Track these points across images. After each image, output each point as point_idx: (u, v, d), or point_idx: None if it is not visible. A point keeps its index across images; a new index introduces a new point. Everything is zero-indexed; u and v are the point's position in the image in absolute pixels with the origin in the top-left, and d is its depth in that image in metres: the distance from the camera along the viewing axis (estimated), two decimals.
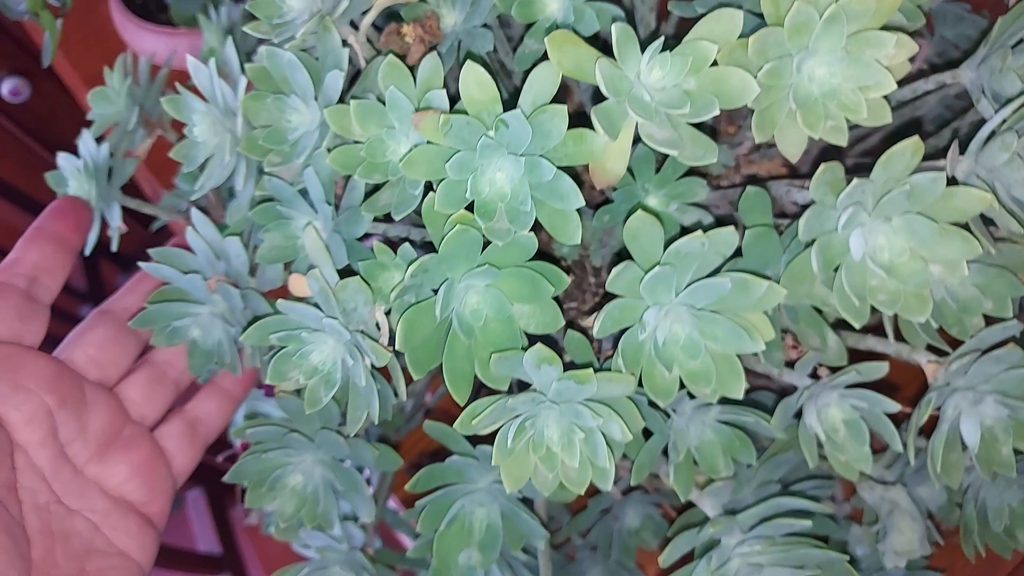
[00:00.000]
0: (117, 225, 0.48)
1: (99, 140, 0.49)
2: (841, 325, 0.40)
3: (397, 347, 0.32)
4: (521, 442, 0.32)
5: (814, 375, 0.36)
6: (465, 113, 0.31)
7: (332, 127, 0.35)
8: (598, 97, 0.31)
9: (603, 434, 0.32)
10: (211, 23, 0.57)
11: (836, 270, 0.31)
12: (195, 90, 0.41)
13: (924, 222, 0.30)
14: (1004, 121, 0.33)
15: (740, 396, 0.32)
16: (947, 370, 0.34)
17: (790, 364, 0.37)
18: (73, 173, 0.48)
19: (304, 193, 0.37)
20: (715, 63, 0.31)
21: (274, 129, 0.38)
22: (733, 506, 0.39)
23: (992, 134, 0.33)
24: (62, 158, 0.48)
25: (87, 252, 0.47)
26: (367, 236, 0.40)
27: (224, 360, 0.40)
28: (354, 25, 0.41)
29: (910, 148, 0.29)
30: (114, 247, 0.48)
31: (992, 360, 0.33)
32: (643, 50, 0.31)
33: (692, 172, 0.46)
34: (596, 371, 0.32)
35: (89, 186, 0.47)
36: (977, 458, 0.34)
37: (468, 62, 0.31)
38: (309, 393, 0.34)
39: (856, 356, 0.38)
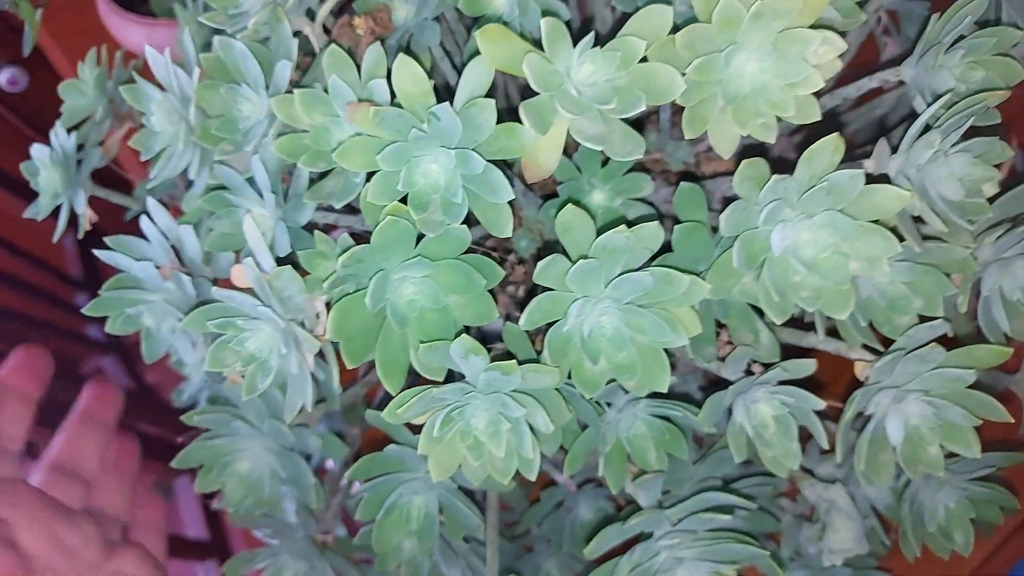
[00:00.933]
0: (83, 212, 0.49)
1: (73, 130, 0.50)
2: (786, 322, 0.40)
3: (330, 337, 0.32)
4: (449, 431, 0.33)
5: (749, 371, 0.37)
6: (400, 106, 0.32)
7: (279, 116, 0.36)
8: (530, 92, 0.32)
9: (529, 425, 0.33)
10: (187, 12, 0.58)
11: (761, 266, 0.32)
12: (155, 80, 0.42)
13: (845, 219, 0.30)
14: (936, 118, 0.33)
15: (665, 389, 0.33)
16: (874, 368, 0.34)
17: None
18: (43, 163, 0.48)
19: (252, 181, 0.38)
20: (646, 59, 0.32)
21: (226, 118, 0.38)
22: (674, 502, 0.39)
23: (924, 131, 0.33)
24: (36, 149, 0.49)
25: (55, 239, 0.48)
26: (331, 228, 0.41)
27: None
28: (311, 15, 0.41)
29: (831, 145, 0.30)
30: (80, 234, 0.49)
31: (916, 359, 0.33)
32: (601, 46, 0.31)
33: (644, 168, 0.47)
34: (521, 363, 0.32)
35: (57, 175, 0.48)
36: (903, 457, 0.34)
37: (400, 56, 0.31)
38: (247, 380, 0.35)
39: (798, 353, 0.39)
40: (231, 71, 0.39)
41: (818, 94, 0.41)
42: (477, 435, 0.33)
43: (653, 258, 0.34)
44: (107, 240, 0.41)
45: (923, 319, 0.36)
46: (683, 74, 0.31)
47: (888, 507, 0.46)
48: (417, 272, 0.33)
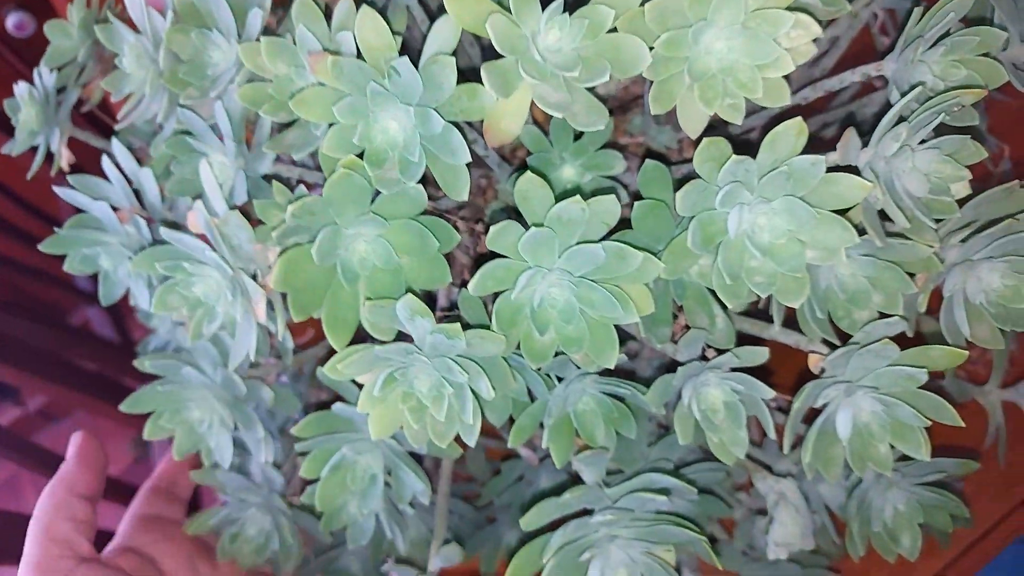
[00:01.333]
0: (57, 150, 0.48)
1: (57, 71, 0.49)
2: (745, 312, 0.40)
3: (274, 287, 0.32)
4: (391, 392, 0.33)
5: (704, 356, 0.36)
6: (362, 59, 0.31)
7: (246, 64, 0.35)
8: (495, 54, 0.31)
9: (473, 392, 0.33)
10: None
11: (717, 249, 0.31)
12: (131, 22, 0.42)
13: (802, 206, 0.29)
14: (910, 111, 0.32)
15: (612, 365, 0.32)
16: (828, 361, 0.34)
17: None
18: (24, 100, 0.48)
19: (216, 128, 0.37)
20: (616, 30, 0.31)
21: (195, 64, 0.38)
22: (620, 481, 0.39)
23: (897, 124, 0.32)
24: (18, 87, 0.48)
25: (29, 176, 0.48)
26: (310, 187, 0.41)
27: None
28: None
29: (794, 129, 0.29)
30: (53, 171, 0.49)
31: (871, 354, 0.33)
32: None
33: (625, 151, 0.47)
34: (471, 328, 0.32)
35: (35, 112, 0.48)
36: (851, 454, 0.34)
37: (364, 7, 0.31)
38: (193, 325, 0.35)
39: (755, 343, 0.38)
40: (204, 16, 0.38)
41: (800, 85, 0.41)
42: (420, 397, 0.33)
43: (612, 233, 0.33)
44: (70, 178, 0.41)
45: (883, 316, 0.35)
46: (651, 48, 0.31)
47: (841, 507, 0.45)
48: (370, 230, 0.33)
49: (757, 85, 0.31)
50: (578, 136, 0.40)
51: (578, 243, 0.31)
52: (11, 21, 1.30)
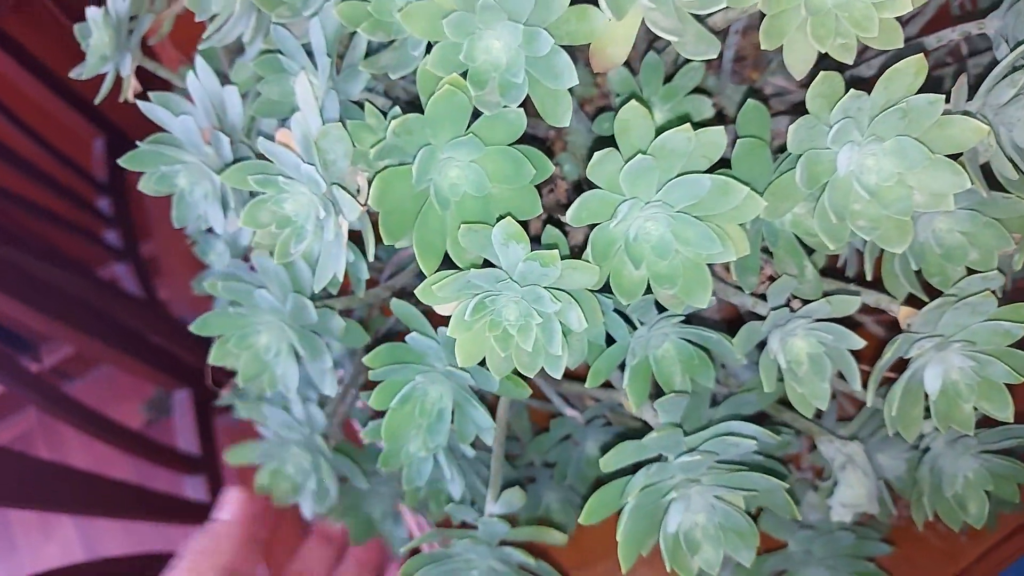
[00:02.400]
0: (126, 75, 0.48)
1: None
2: (828, 271, 0.39)
3: (371, 205, 0.32)
4: (479, 320, 0.32)
5: (788, 306, 0.36)
6: None
7: None
8: None
9: (561, 323, 0.32)
10: None
11: (823, 189, 0.31)
12: None
13: (916, 146, 0.29)
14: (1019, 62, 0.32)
15: (705, 305, 0.32)
16: (920, 315, 0.33)
17: (764, 297, 0.37)
18: (96, 23, 0.48)
19: (307, 50, 0.37)
20: None
21: None
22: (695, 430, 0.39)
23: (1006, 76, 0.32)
24: (90, 11, 0.48)
25: (97, 100, 0.48)
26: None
27: None
28: None
29: (913, 67, 0.29)
30: (123, 96, 0.49)
31: (967, 308, 0.32)
32: None
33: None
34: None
35: (107, 36, 0.47)
36: (936, 412, 0.34)
37: None
38: (280, 245, 0.34)
39: None
40: None
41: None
42: (507, 327, 0.32)
43: (710, 171, 0.33)
44: (151, 95, 0.41)
45: (973, 272, 0.35)
46: None
47: (899, 478, 0.45)
48: (465, 155, 0.32)
49: (873, 24, 0.30)
50: (667, 80, 0.39)
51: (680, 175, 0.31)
52: None
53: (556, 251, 0.31)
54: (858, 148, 0.30)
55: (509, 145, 0.33)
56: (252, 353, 0.40)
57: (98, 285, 1.29)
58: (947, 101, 0.31)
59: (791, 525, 0.48)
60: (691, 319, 0.37)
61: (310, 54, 0.37)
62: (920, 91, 0.29)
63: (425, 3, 0.31)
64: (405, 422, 0.38)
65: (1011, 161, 0.31)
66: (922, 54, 0.28)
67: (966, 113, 0.31)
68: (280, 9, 0.37)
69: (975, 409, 0.34)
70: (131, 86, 0.49)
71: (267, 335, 0.40)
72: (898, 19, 0.32)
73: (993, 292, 0.34)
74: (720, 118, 0.45)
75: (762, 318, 0.36)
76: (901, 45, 0.31)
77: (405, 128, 0.32)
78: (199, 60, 0.40)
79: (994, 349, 0.33)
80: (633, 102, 0.31)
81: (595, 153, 0.31)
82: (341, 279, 0.34)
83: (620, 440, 0.49)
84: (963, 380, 0.33)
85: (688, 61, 0.39)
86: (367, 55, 0.37)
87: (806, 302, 0.35)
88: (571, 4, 0.31)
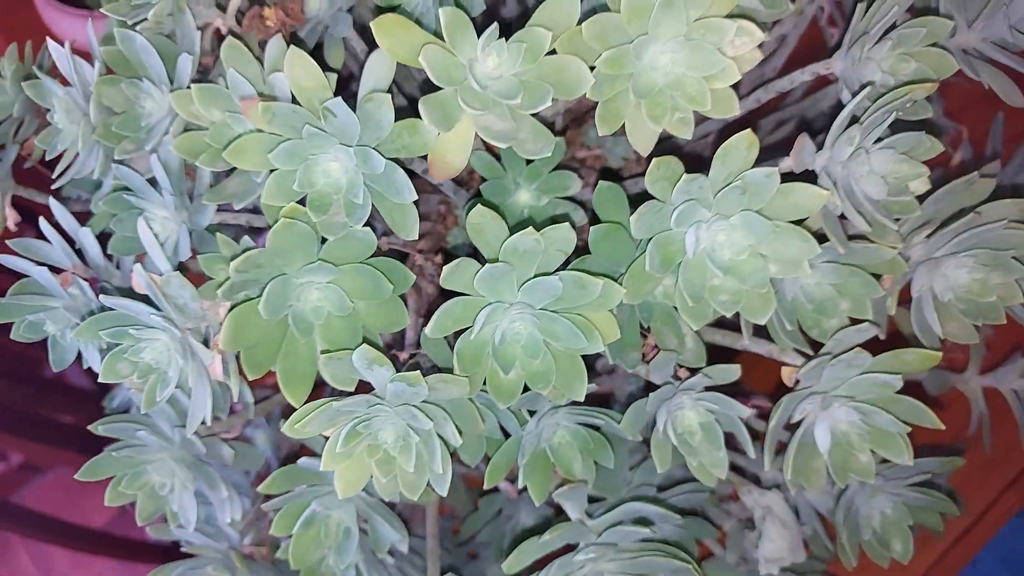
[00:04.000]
0: None
1: None
2: (716, 323, 0.39)
3: (223, 347, 0.31)
4: (357, 446, 0.31)
5: (676, 375, 0.35)
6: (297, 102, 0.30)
7: (179, 112, 0.34)
8: (433, 86, 0.30)
9: (440, 437, 0.31)
10: (115, 3, 0.56)
11: (677, 269, 0.30)
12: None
13: (760, 220, 0.29)
14: (863, 111, 0.32)
15: (582, 398, 0.31)
16: (800, 374, 0.33)
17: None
18: None
19: (155, 182, 0.36)
20: (555, 52, 0.30)
21: (128, 115, 0.37)
22: (604, 510, 0.38)
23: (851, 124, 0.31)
24: None
25: None
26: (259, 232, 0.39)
27: None
28: (221, 7, 0.39)
29: (744, 142, 0.28)
30: None
31: (843, 364, 0.32)
32: None
33: (583, 165, 0.46)
34: (436, 371, 0.31)
35: None
36: (832, 465, 0.33)
37: (292, 48, 0.29)
38: (147, 392, 0.33)
39: (728, 355, 0.37)
40: (134, 65, 0.37)
41: (751, 87, 0.40)
42: (387, 449, 0.31)
43: (573, 259, 0.32)
44: (10, 243, 0.39)
45: (854, 321, 0.34)
46: (593, 67, 0.30)
47: (830, 511, 0.44)
48: (321, 277, 0.32)
49: (705, 97, 0.30)
50: (531, 159, 0.39)
51: (536, 275, 0.30)
52: None
53: (418, 372, 0.30)
54: (706, 226, 0.29)
55: (364, 261, 0.32)
56: (147, 491, 0.39)
57: (42, 386, 1.26)
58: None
59: (734, 569, 0.48)
60: (589, 399, 0.36)
61: (153, 182, 0.36)
62: (772, 140, 0.29)
63: (253, 136, 0.30)
64: (311, 544, 0.37)
65: (863, 214, 0.31)
66: (750, 129, 0.28)
67: (807, 173, 0.30)
68: (123, 143, 0.36)
69: (874, 453, 0.34)
70: (9, 218, 0.47)
71: (158, 473, 0.38)
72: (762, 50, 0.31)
73: (875, 337, 0.33)
74: (606, 172, 0.45)
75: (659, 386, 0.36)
76: (737, 113, 0.31)
77: (251, 263, 0.31)
78: (52, 202, 0.39)
79: (877, 398, 0.32)
80: (479, 207, 0.31)
81: (444, 267, 0.30)
82: (210, 421, 0.33)
83: (552, 511, 0.49)
84: (853, 432, 0.33)
85: None
86: (218, 179, 0.36)
87: (694, 370, 0.35)
88: (407, 116, 0.31)
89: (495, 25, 0.29)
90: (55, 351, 0.40)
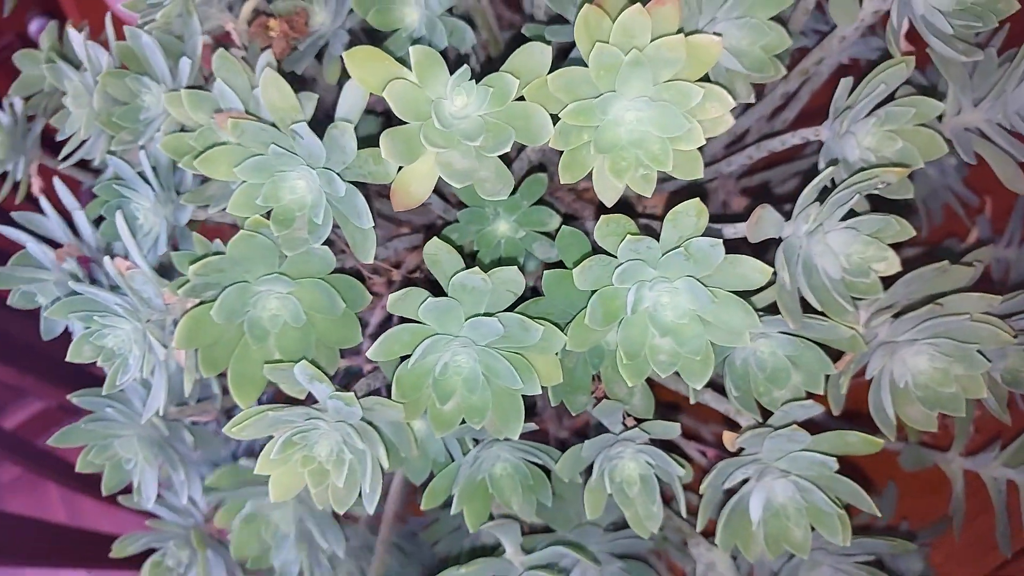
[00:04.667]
0: (20, 178, 0.49)
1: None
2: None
3: (176, 345, 0.32)
4: (292, 455, 0.32)
5: (623, 422, 0.35)
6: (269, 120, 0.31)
7: (171, 112, 0.35)
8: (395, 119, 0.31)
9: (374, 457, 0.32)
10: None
11: (619, 325, 0.30)
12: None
13: (700, 288, 0.28)
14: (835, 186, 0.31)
15: (516, 436, 0.32)
16: (741, 440, 0.32)
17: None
18: None
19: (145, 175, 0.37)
20: (523, 98, 0.30)
21: (130, 107, 0.38)
22: (543, 545, 0.38)
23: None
24: None
25: None
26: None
27: None
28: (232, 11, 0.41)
29: (694, 209, 0.28)
30: (18, 199, 0.49)
31: (783, 437, 0.31)
32: None
33: (576, 195, 0.46)
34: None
35: (2, 139, 0.48)
36: (765, 535, 0.33)
37: (268, 71, 0.30)
38: (109, 376, 0.35)
39: (679, 403, 0.37)
40: (142, 62, 0.38)
41: (743, 146, 0.40)
42: (320, 462, 0.32)
43: (524, 300, 0.33)
44: (14, 215, 0.41)
45: (810, 395, 0.34)
46: (559, 117, 0.30)
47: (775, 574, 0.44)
48: (280, 288, 0.33)
49: (668, 157, 0.30)
50: (513, 190, 0.39)
51: (482, 314, 0.31)
52: (34, 26, 1.33)
53: (352, 394, 0.31)
54: (649, 286, 0.29)
55: (322, 277, 0.33)
56: (114, 464, 0.41)
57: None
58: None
59: None
60: (534, 435, 0.36)
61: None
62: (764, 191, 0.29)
63: (226, 148, 0.31)
64: (253, 539, 0.38)
65: (814, 291, 0.30)
66: (698, 199, 0.28)
67: (774, 242, 0.30)
68: (121, 134, 0.38)
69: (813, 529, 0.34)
70: (34, 185, 0.50)
71: (123, 448, 0.40)
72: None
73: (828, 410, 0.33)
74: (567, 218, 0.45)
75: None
76: (700, 175, 0.31)
77: (212, 268, 0.32)
78: (56, 181, 0.40)
79: (816, 476, 0.32)
80: (435, 239, 0.31)
81: (391, 295, 0.31)
82: (163, 411, 0.34)
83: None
84: (791, 505, 0.33)
85: (532, 170, 0.39)
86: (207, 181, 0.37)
87: (638, 420, 0.35)
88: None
89: (466, 67, 0.30)
90: (45, 322, 0.42)
